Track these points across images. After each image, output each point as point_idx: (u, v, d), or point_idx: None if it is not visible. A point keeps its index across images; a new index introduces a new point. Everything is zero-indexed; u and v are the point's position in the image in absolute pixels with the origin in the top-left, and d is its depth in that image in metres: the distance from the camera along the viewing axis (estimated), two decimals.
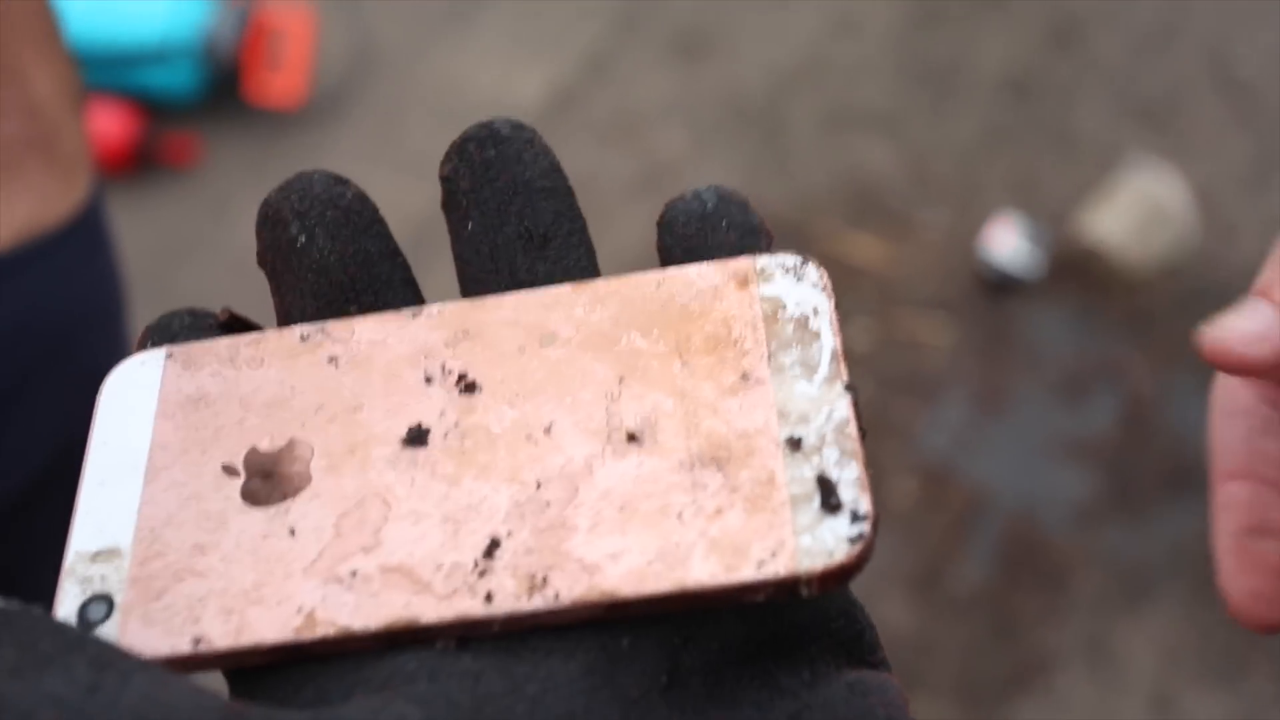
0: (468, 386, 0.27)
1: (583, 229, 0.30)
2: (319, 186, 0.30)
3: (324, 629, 0.24)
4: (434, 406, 0.27)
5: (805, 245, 2.23)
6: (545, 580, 0.24)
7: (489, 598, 0.24)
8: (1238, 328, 0.34)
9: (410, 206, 2.36)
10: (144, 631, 0.25)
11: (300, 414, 0.27)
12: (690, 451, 0.26)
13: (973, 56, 2.56)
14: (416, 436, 0.27)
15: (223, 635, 0.24)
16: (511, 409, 0.27)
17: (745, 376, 0.27)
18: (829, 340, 0.27)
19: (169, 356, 0.29)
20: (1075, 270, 2.11)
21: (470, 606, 0.24)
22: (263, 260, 0.30)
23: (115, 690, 0.21)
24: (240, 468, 0.27)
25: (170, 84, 2.40)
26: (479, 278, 0.30)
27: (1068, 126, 2.41)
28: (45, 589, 0.76)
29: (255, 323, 0.30)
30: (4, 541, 0.70)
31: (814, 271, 0.28)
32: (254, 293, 2.09)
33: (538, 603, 0.24)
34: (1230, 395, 0.38)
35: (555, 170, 0.30)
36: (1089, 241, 2.11)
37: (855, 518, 0.25)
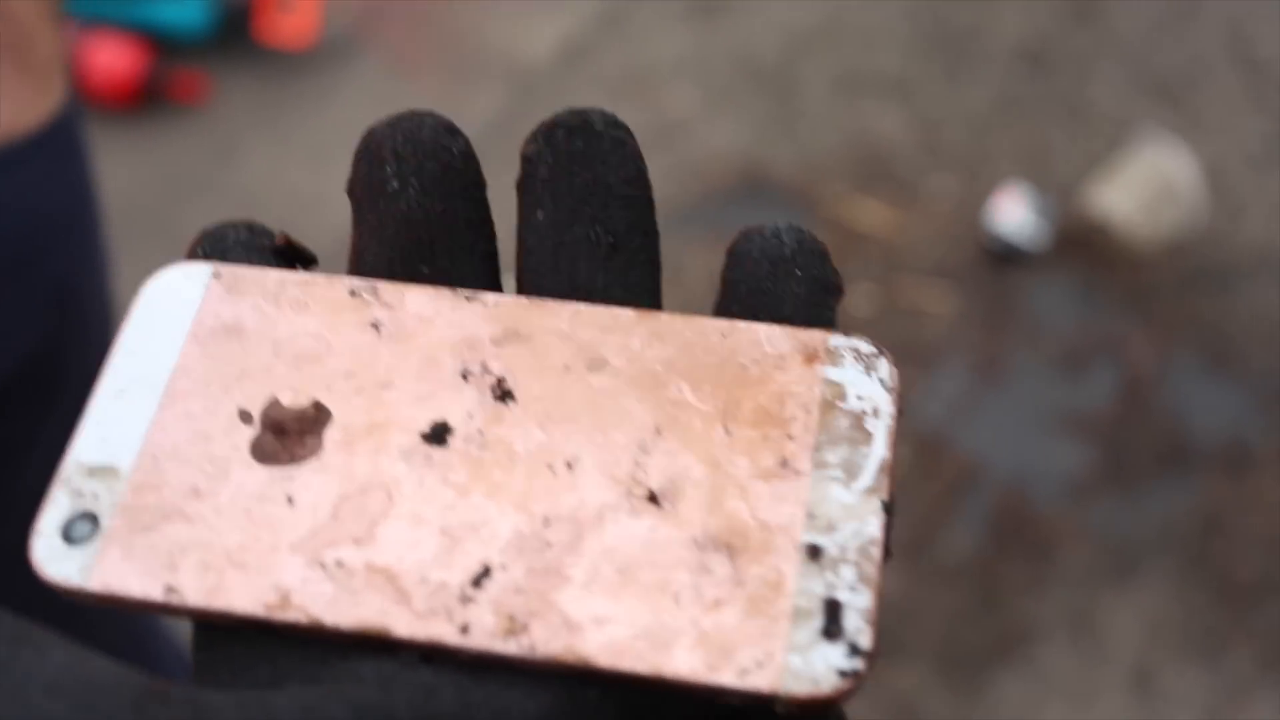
0: (503, 394, 0.26)
1: (654, 245, 0.29)
2: (428, 132, 0.28)
3: (295, 614, 0.24)
4: (464, 405, 0.26)
5: (812, 208, 2.22)
6: (525, 627, 0.23)
7: (465, 629, 0.24)
8: None
9: None
10: (120, 565, 0.24)
11: (330, 376, 0.27)
12: (707, 530, 0.24)
13: (990, 24, 2.54)
14: (438, 434, 0.26)
15: (196, 591, 0.24)
16: (540, 431, 0.26)
17: (784, 463, 0.25)
18: (880, 449, 0.25)
19: (215, 275, 0.28)
20: (1081, 244, 2.11)
21: (444, 632, 0.24)
22: (351, 192, 0.29)
23: (31, 663, 0.21)
24: (256, 416, 0.26)
25: (180, 19, 2.39)
26: (537, 270, 0.28)
27: (1081, 99, 2.40)
28: (5, 498, 0.76)
29: (311, 253, 0.29)
30: None
31: (885, 366, 0.26)
32: None
33: (511, 648, 0.23)
34: None
35: (641, 178, 0.28)
36: (1096, 215, 2.10)
37: (853, 651, 0.23)
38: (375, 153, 0.28)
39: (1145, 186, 2.08)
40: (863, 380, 0.26)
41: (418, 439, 0.26)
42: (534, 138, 0.29)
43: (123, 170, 2.15)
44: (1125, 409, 1.89)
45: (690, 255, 2.14)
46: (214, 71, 2.43)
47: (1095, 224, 2.10)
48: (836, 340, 0.27)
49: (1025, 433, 1.87)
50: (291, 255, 0.29)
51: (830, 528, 0.24)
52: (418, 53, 2.52)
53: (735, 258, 0.28)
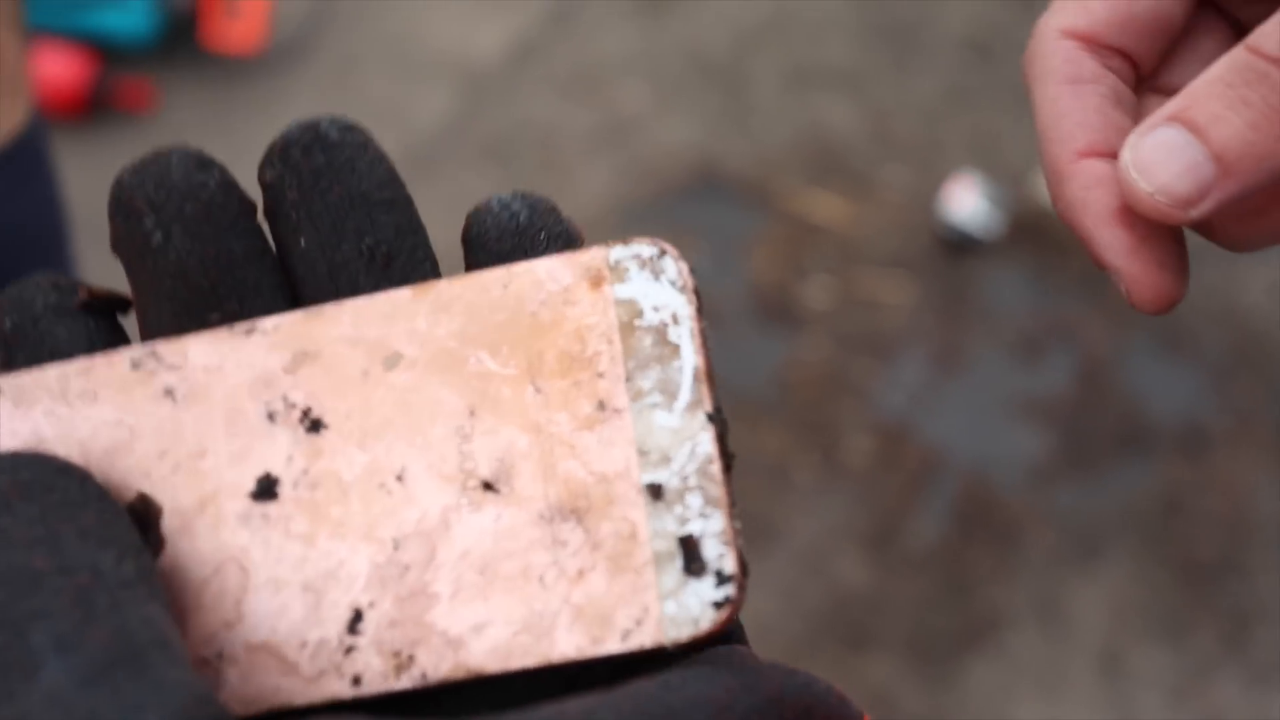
0: (313, 424, 0.26)
1: (426, 243, 0.28)
2: (178, 173, 0.26)
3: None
4: (280, 450, 0.25)
5: (766, 202, 2.23)
6: (411, 659, 0.24)
7: (356, 680, 0.24)
8: (1164, 175, 0.30)
9: None
10: None
11: (143, 462, 0.26)
12: (549, 501, 0.24)
13: (936, 15, 2.56)
14: (266, 489, 0.25)
15: None
16: (361, 451, 0.25)
17: (602, 405, 0.25)
18: (690, 357, 0.25)
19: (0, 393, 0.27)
20: (1033, 231, 2.12)
21: (339, 689, 0.24)
22: (116, 249, 0.27)
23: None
24: None
25: (125, 27, 2.36)
26: (315, 297, 0.27)
27: None
28: None
29: (120, 296, 0.28)
30: None
31: (673, 265, 0.26)
32: None
33: (405, 683, 0.24)
34: (1071, 61, 0.34)
35: (393, 179, 0.27)
36: (1047, 202, 2.12)
37: (720, 579, 0.23)
38: (129, 205, 0.27)
39: None
40: (654, 288, 0.25)
41: (248, 500, 0.25)
42: (269, 163, 0.27)
43: (71, 180, 2.12)
44: (1083, 393, 1.91)
45: None
46: (161, 79, 2.40)
47: (1047, 210, 2.12)
48: (617, 253, 0.26)
49: (986, 420, 1.88)
50: (101, 306, 0.28)
51: (664, 459, 0.24)
52: (365, 54, 2.51)
53: (474, 242, 0.27)
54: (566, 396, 0.25)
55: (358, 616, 0.24)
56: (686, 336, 0.25)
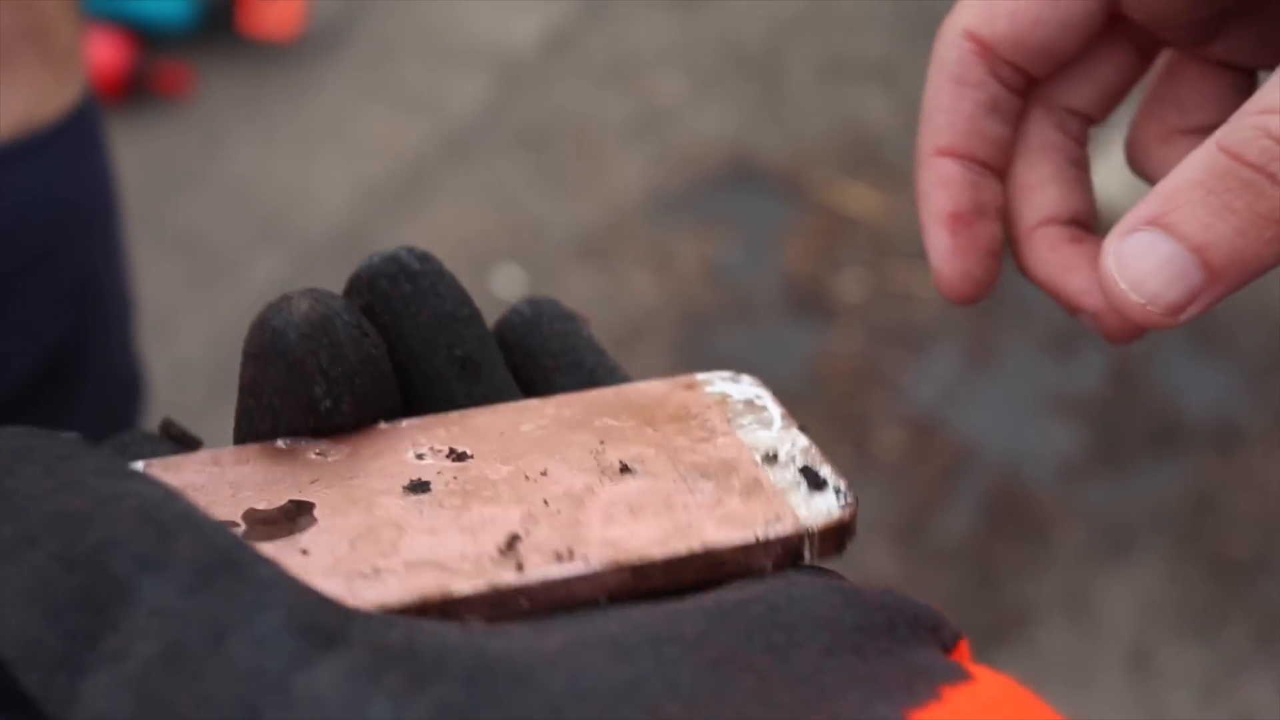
0: (458, 455, 0.28)
1: (499, 350, 0.31)
2: (349, 345, 0.28)
3: (353, 603, 0.23)
4: (431, 470, 0.27)
5: (800, 194, 2.23)
6: (572, 552, 0.25)
7: (520, 567, 0.25)
8: (1153, 285, 0.30)
9: (404, 144, 2.35)
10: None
11: (294, 485, 0.27)
12: (681, 471, 0.28)
13: None
14: (419, 486, 0.27)
15: None
16: (504, 465, 0.28)
17: (713, 431, 0.29)
18: (776, 409, 0.30)
19: (146, 466, 0.27)
20: None
21: (504, 577, 0.24)
22: (255, 389, 0.28)
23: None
24: (240, 520, 0.26)
25: (164, 13, 2.37)
26: (414, 401, 0.30)
27: None
28: None
29: (195, 436, 0.29)
30: None
31: (749, 378, 0.31)
32: (244, 229, 2.08)
33: (568, 569, 0.25)
34: (961, 62, 0.36)
35: (467, 297, 0.31)
36: None
37: (840, 492, 0.27)
38: (300, 368, 0.27)
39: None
40: (736, 386, 0.31)
41: (401, 491, 0.27)
42: (357, 292, 0.30)
43: None
44: (1115, 390, 1.90)
45: (680, 242, 2.14)
46: (199, 64, 2.42)
47: None
48: (702, 375, 0.31)
49: (1017, 415, 1.88)
50: (176, 437, 0.29)
51: (772, 450, 0.29)
52: (401, 41, 2.52)
53: (506, 351, 0.32)
54: (681, 430, 0.29)
55: (514, 538, 0.25)
56: (770, 402, 0.30)
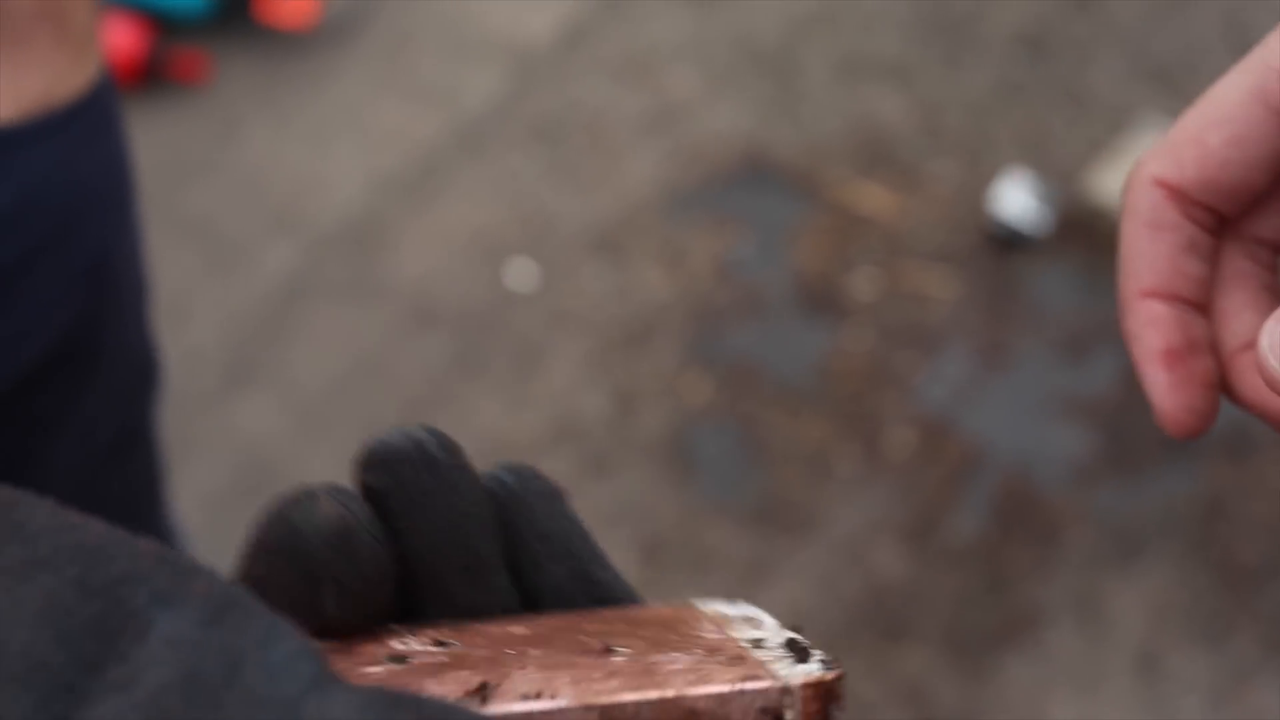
0: (441, 643, 0.27)
1: (501, 547, 0.30)
2: (368, 565, 0.27)
3: None
4: (414, 651, 0.27)
5: (813, 192, 2.23)
6: (540, 694, 0.25)
7: (485, 701, 0.25)
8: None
9: (418, 134, 2.35)
10: None
11: None
12: (664, 651, 0.27)
13: (988, 9, 2.55)
14: (398, 658, 0.26)
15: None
16: (486, 649, 0.27)
17: (703, 631, 0.28)
18: (771, 621, 0.29)
19: None
20: (1082, 229, 2.11)
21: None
22: (260, 586, 0.26)
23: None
24: None
25: (181, 0, 2.38)
26: (411, 597, 0.29)
27: (1081, 85, 2.40)
28: (42, 470, 0.75)
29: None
30: (5, 423, 0.70)
31: (745, 603, 0.30)
32: (257, 218, 2.08)
33: (535, 706, 0.24)
34: (1155, 208, 0.37)
35: (483, 495, 0.29)
36: (1097, 201, 2.11)
37: (825, 662, 0.26)
38: (311, 574, 0.26)
39: None
40: (733, 608, 0.30)
41: (383, 660, 0.26)
42: (372, 467, 0.28)
43: None
44: (1127, 394, 1.90)
45: (692, 238, 2.14)
46: (215, 51, 2.42)
47: (1096, 209, 2.11)
48: (697, 600, 0.30)
49: (1028, 417, 1.88)
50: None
51: (760, 638, 0.28)
52: (417, 32, 2.52)
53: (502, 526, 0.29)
54: (671, 630, 0.28)
55: (485, 685, 0.25)
56: (768, 618, 0.29)
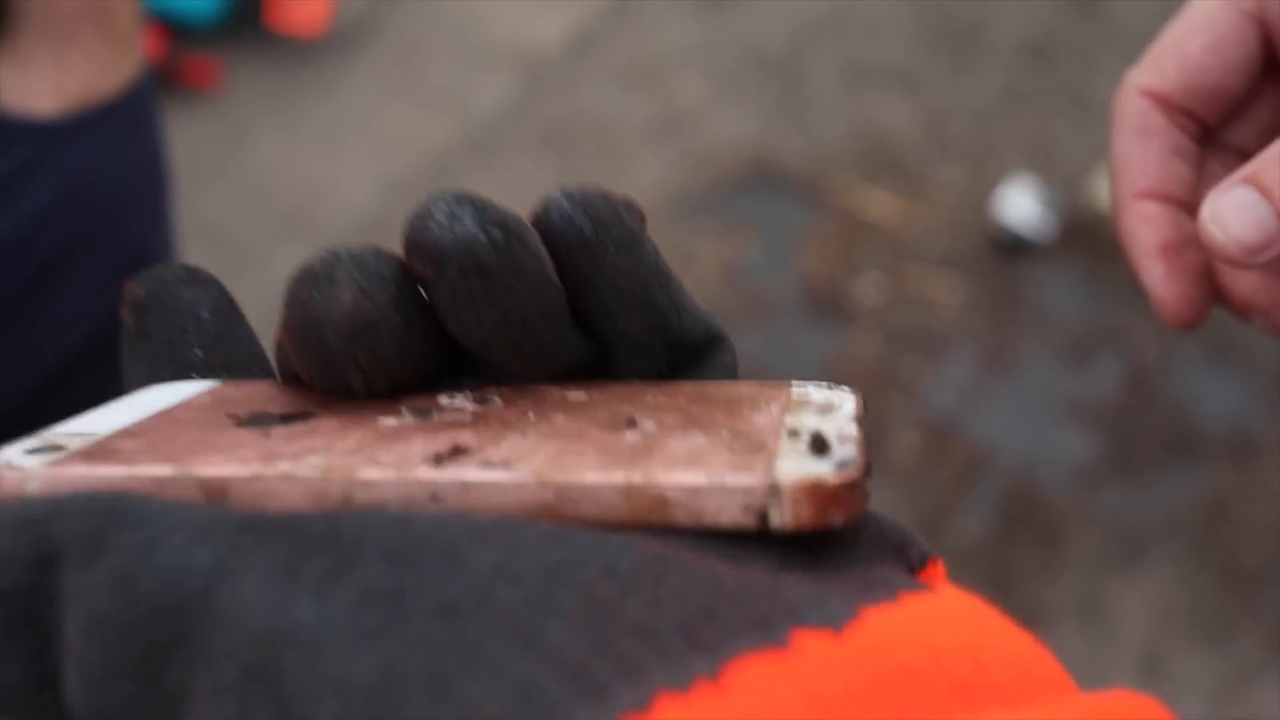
0: (483, 399, 0.26)
1: (568, 323, 0.28)
2: (389, 348, 0.25)
3: (282, 468, 0.22)
4: (448, 404, 0.26)
5: (820, 198, 2.24)
6: (504, 464, 0.22)
7: (438, 463, 0.22)
8: (1235, 227, 0.35)
9: (427, 141, 2.36)
10: (80, 464, 0.23)
11: (315, 402, 0.26)
12: (683, 430, 0.24)
13: (994, 18, 2.56)
14: (421, 411, 0.25)
15: (156, 467, 0.23)
16: (522, 411, 0.25)
17: (759, 413, 0.25)
18: (850, 409, 0.25)
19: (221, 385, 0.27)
20: (1086, 235, 2.13)
21: (416, 471, 0.22)
22: (286, 365, 0.27)
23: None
24: (245, 416, 0.25)
25: (193, 6, 2.39)
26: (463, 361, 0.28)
27: (1085, 92, 2.42)
28: None
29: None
30: (45, 413, 0.71)
31: (848, 390, 0.26)
32: (267, 222, 2.09)
33: (486, 476, 0.22)
34: (1142, 115, 0.39)
35: (550, 283, 0.26)
36: (1101, 207, 2.12)
37: (843, 462, 0.22)
38: (336, 363, 0.25)
39: None
40: (823, 392, 0.26)
41: (409, 413, 0.25)
42: (416, 259, 0.25)
43: None
44: (1131, 398, 1.91)
45: (700, 243, 2.15)
46: (226, 58, 2.44)
47: (1100, 215, 2.12)
48: (798, 381, 0.27)
49: (1033, 421, 1.89)
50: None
51: (802, 428, 0.24)
52: (427, 39, 2.53)
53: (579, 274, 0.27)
54: (728, 409, 0.25)
55: (459, 449, 0.23)
56: (851, 405, 0.25)
